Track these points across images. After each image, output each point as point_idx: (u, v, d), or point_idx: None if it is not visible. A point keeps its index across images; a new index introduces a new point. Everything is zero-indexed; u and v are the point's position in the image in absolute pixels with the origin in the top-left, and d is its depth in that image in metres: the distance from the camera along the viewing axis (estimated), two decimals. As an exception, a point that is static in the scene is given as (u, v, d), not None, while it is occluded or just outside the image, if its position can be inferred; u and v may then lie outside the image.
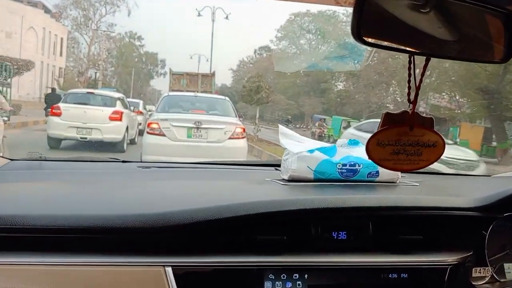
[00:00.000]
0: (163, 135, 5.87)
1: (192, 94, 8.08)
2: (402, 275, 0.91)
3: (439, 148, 0.74)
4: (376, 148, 0.71)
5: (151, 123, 6.05)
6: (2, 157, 1.29)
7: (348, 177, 1.10)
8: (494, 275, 1.00)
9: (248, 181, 1.17)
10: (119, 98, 8.99)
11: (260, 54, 39.35)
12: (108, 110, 8.15)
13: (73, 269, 0.76)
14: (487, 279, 0.99)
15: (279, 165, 1.48)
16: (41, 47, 27.39)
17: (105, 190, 1.04)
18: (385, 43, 0.65)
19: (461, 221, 0.96)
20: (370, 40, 0.61)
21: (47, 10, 29.82)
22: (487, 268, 0.99)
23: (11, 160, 1.24)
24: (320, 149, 1.11)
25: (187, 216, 0.80)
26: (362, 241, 0.92)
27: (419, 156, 0.73)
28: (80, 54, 33.11)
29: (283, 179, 1.14)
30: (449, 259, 0.93)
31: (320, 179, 1.09)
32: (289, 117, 26.07)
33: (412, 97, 0.72)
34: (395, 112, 0.73)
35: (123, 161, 1.38)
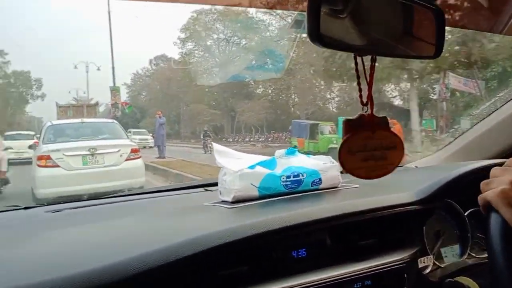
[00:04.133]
0: (57, 166, 5.86)
1: (77, 120, 8.22)
2: (365, 282, 0.89)
3: (400, 149, 0.71)
4: (347, 156, 0.65)
5: (41, 156, 5.96)
6: None
7: (293, 188, 1.05)
8: (436, 262, 1.05)
9: (186, 210, 1.03)
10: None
11: (156, 65, 36.87)
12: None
13: None
14: (430, 267, 1.02)
15: (207, 185, 1.36)
16: None
17: (11, 255, 0.79)
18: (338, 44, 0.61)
19: (407, 216, 0.98)
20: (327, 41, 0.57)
21: None
22: (429, 256, 1.03)
23: None
24: (260, 164, 1.04)
25: (137, 263, 0.65)
26: (322, 256, 0.87)
27: (385, 160, 0.69)
28: None
29: (224, 201, 1.04)
30: (404, 256, 0.94)
31: (265, 195, 1.02)
32: (205, 129, 19.39)
33: (364, 99, 0.70)
34: (352, 118, 0.70)
35: (26, 208, 1.12)
